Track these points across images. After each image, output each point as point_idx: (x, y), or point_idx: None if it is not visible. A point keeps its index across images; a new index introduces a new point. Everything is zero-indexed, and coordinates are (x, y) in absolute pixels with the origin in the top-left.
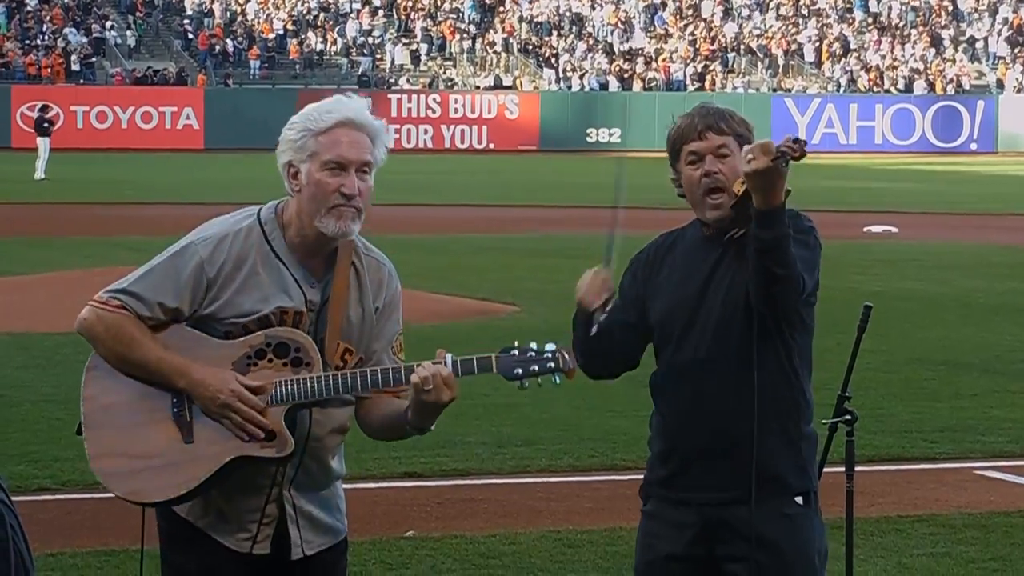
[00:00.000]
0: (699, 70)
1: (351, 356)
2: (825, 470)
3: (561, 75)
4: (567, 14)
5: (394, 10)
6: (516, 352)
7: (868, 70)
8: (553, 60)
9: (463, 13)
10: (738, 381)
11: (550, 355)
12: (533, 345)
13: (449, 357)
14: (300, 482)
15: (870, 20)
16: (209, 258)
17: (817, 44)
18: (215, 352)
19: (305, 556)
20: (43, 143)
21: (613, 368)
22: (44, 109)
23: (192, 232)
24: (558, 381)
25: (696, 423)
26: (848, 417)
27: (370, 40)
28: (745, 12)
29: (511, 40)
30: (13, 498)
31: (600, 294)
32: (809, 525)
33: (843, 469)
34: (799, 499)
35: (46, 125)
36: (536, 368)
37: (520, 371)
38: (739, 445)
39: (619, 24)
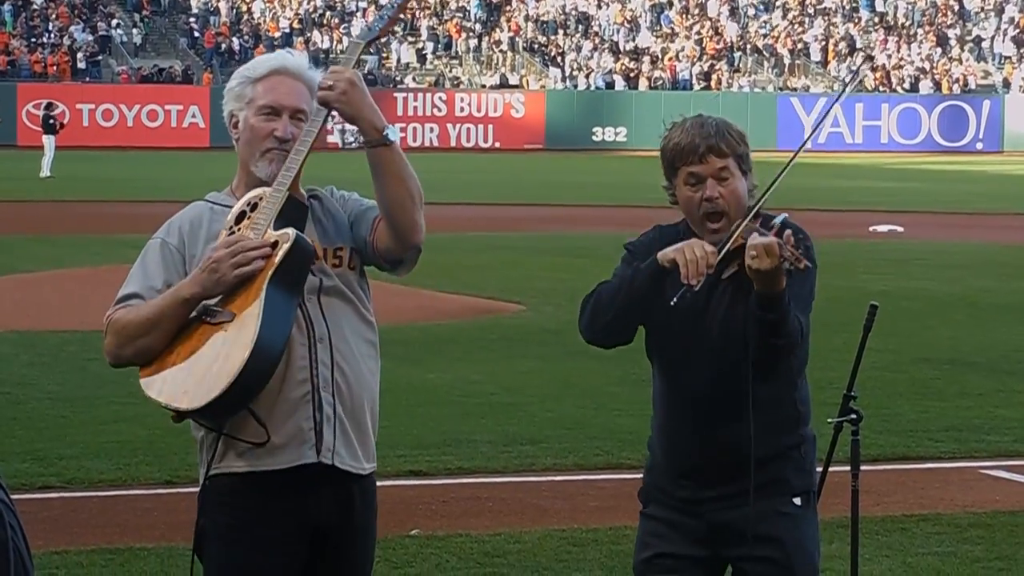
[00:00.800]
0: (705, 69)
1: (344, 251)
2: (830, 469)
3: (567, 74)
4: (573, 13)
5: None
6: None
7: (874, 69)
8: (559, 59)
9: (469, 12)
10: (736, 400)
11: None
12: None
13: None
14: (339, 386)
15: (876, 19)
16: (166, 234)
17: (823, 43)
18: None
19: (335, 467)
20: (49, 141)
21: (609, 342)
22: (49, 107)
23: None
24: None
25: (696, 436)
26: (853, 416)
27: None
28: (751, 11)
29: (517, 39)
30: (17, 496)
31: (703, 273)
32: (807, 523)
33: (848, 468)
34: (797, 500)
35: (52, 123)
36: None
37: (377, 25)
38: (740, 455)
39: (625, 23)
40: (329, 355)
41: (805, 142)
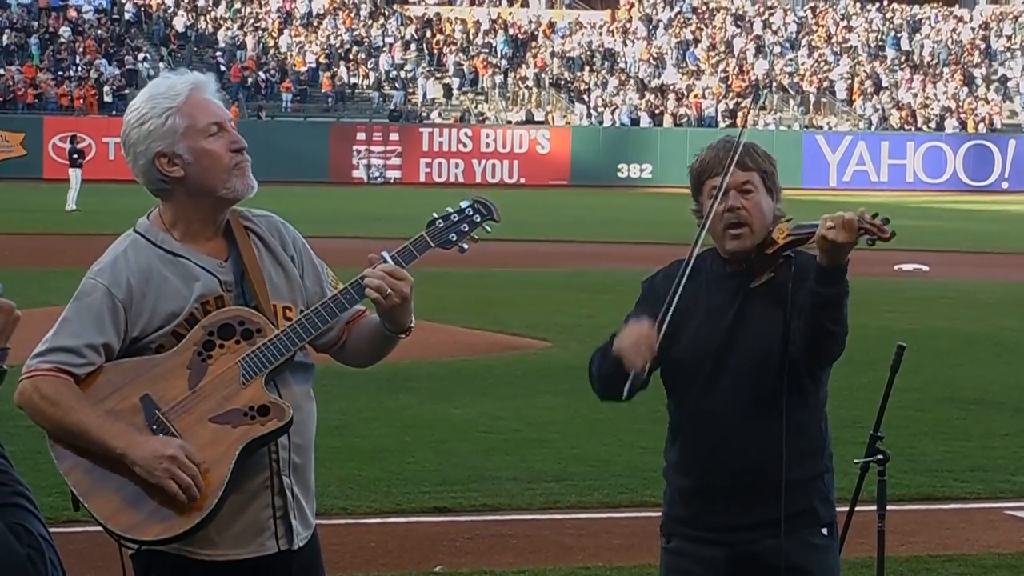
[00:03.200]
0: (731, 107)
1: (292, 311)
2: (856, 509)
3: (592, 110)
4: (599, 49)
5: (426, 44)
6: (441, 221)
7: (900, 108)
8: (585, 95)
9: (495, 48)
10: (766, 423)
11: (471, 209)
12: (450, 208)
13: (386, 254)
14: (295, 464)
15: (902, 58)
16: (112, 282)
17: (849, 81)
18: (164, 367)
19: (299, 549)
20: (75, 174)
21: (624, 397)
22: (74, 140)
23: (85, 275)
24: (490, 230)
25: (722, 465)
26: (880, 457)
27: (402, 74)
28: (777, 49)
29: (543, 75)
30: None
31: (645, 358)
32: (833, 555)
33: (875, 508)
34: (825, 530)
35: (75, 156)
36: (467, 227)
37: (454, 236)
38: (767, 483)
39: (651, 60)
40: (287, 436)
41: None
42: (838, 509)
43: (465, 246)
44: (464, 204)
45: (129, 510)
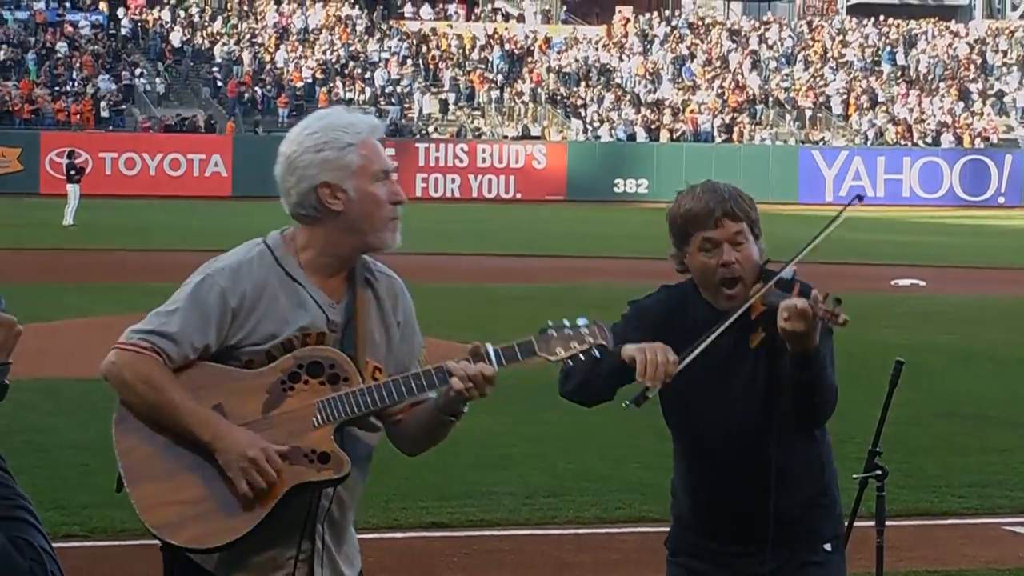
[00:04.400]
0: (727, 121)
1: (380, 374)
2: (855, 524)
3: (589, 125)
4: (595, 65)
5: (422, 59)
6: (554, 331)
7: (896, 123)
8: (581, 111)
9: (491, 63)
10: (761, 462)
11: (585, 329)
12: (566, 322)
13: (490, 348)
14: (332, 516)
15: (898, 73)
16: (230, 287)
17: (845, 96)
18: (246, 383)
19: None
20: (73, 190)
21: (590, 402)
22: (72, 155)
23: (201, 268)
24: (598, 355)
25: (720, 499)
26: (879, 472)
27: (398, 89)
28: (773, 64)
29: (539, 90)
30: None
31: (662, 382)
32: (836, 568)
33: (873, 524)
34: (828, 545)
35: (73, 172)
36: (576, 346)
37: (561, 351)
38: (765, 514)
39: (647, 75)
40: (334, 488)
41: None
42: None
43: (570, 362)
44: (580, 322)
45: (167, 509)
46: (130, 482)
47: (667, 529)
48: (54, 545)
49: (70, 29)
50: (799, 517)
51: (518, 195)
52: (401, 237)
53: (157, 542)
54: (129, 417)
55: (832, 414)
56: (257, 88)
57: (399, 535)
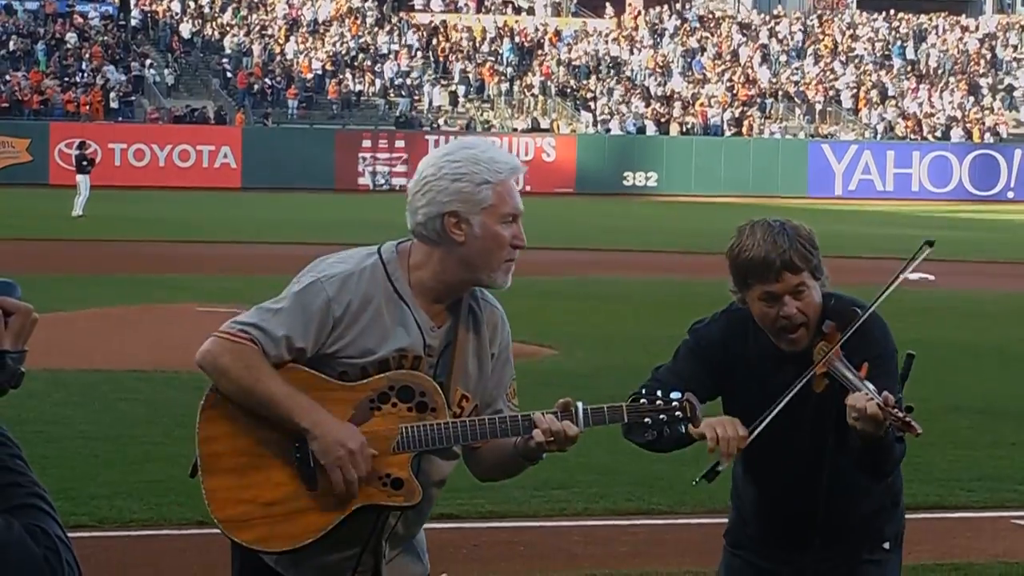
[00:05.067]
0: (736, 115)
1: (467, 403)
2: None
3: (598, 118)
4: (605, 58)
5: (432, 52)
6: (645, 401)
7: (906, 117)
8: (590, 103)
9: (501, 56)
10: (817, 475)
11: (677, 404)
12: (659, 392)
13: (580, 407)
14: (397, 533)
15: (908, 67)
16: (336, 296)
17: (854, 91)
18: (335, 394)
19: None
20: (84, 181)
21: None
22: (82, 146)
23: (312, 268)
24: (683, 431)
25: (780, 518)
26: None
27: (408, 81)
28: (783, 58)
29: (549, 83)
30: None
31: (733, 454)
32: (892, 567)
33: None
34: (887, 544)
35: (84, 163)
36: (664, 418)
37: (649, 420)
38: (830, 521)
39: (657, 68)
40: (399, 513)
41: (891, 284)
42: None
43: (653, 434)
44: (674, 396)
45: (237, 506)
46: (205, 471)
47: (674, 521)
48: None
49: (80, 20)
50: (863, 526)
51: (527, 187)
52: (511, 280)
53: (163, 532)
54: (217, 407)
55: (891, 472)
56: (267, 79)
57: None
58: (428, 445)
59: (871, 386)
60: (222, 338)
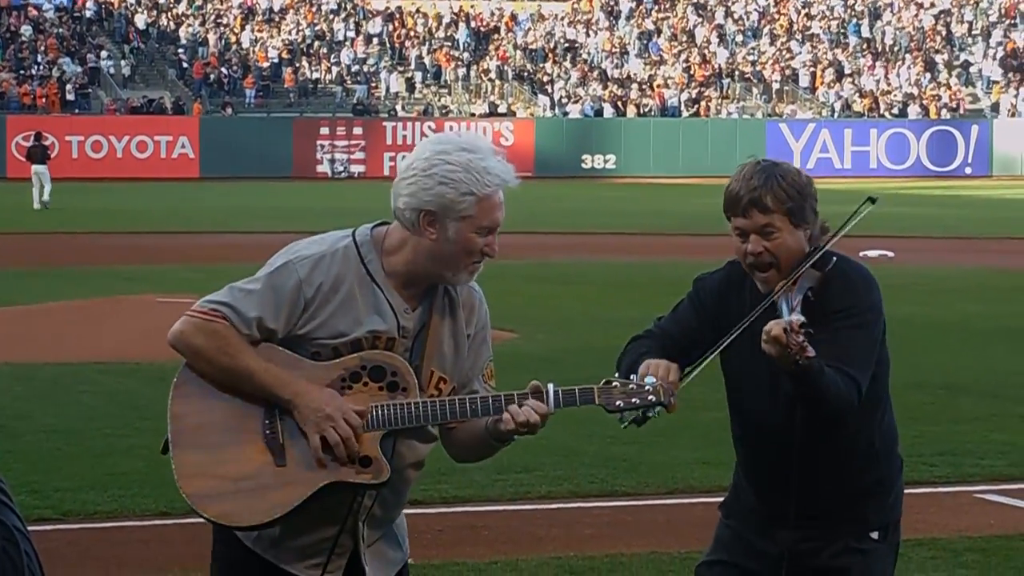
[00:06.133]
0: (693, 96)
1: (445, 385)
2: None
3: (556, 102)
4: (561, 41)
5: (388, 38)
6: (618, 385)
7: (863, 95)
8: (548, 87)
9: (458, 41)
10: (791, 445)
11: (650, 388)
12: (633, 377)
13: (551, 388)
14: (375, 515)
15: (864, 45)
16: (308, 278)
17: (811, 69)
18: (308, 373)
19: None
20: (44, 172)
21: None
22: (39, 137)
23: (285, 251)
24: (652, 415)
25: (763, 478)
26: None
27: (365, 68)
28: (739, 38)
29: (505, 67)
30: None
31: (671, 392)
32: (880, 557)
33: None
34: (875, 534)
35: (45, 149)
36: (637, 401)
37: (621, 403)
38: (822, 496)
39: (613, 51)
40: (375, 493)
41: (837, 233)
42: None
43: (624, 425)
44: (648, 380)
45: (206, 480)
46: (175, 446)
47: (638, 503)
48: (29, 529)
49: (34, 12)
50: (843, 505)
51: None
52: (475, 283)
53: (127, 523)
54: (189, 384)
55: (848, 409)
56: (223, 69)
57: None
58: (398, 424)
59: (800, 317)
60: (194, 317)
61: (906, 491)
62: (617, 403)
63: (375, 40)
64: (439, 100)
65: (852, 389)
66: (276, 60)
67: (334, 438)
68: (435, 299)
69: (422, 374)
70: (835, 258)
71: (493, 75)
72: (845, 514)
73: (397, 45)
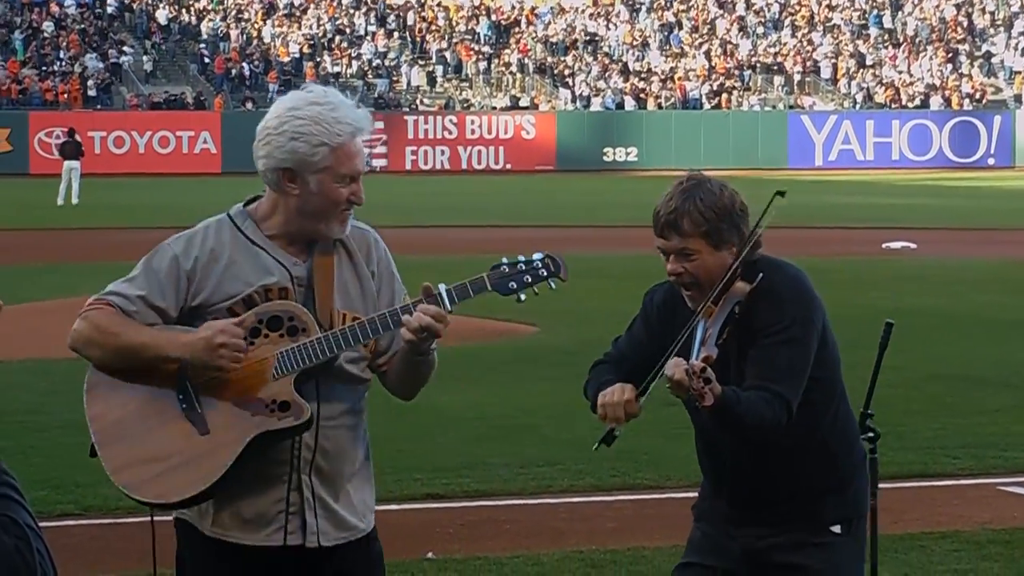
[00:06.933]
0: (715, 88)
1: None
2: None
3: (577, 95)
4: (582, 34)
5: (409, 32)
6: (506, 267)
7: (884, 86)
8: (569, 80)
9: (479, 34)
10: (729, 443)
11: (539, 263)
12: (520, 257)
13: (443, 287)
14: (319, 466)
15: (885, 36)
16: (183, 252)
17: (833, 60)
18: None
19: (322, 547)
20: (76, 168)
21: None
22: (72, 133)
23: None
24: (554, 286)
25: (717, 474)
26: (871, 435)
27: (386, 62)
28: (760, 30)
29: (526, 60)
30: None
31: (620, 420)
32: (845, 550)
33: (867, 486)
34: (837, 528)
35: (73, 147)
36: (529, 278)
37: (515, 284)
38: (770, 494)
39: (634, 43)
40: (314, 438)
41: (752, 235)
42: None
43: (523, 296)
44: (535, 256)
45: (136, 468)
46: (101, 446)
47: (660, 496)
48: (51, 524)
49: (56, 8)
50: (799, 503)
51: (508, 166)
52: (349, 226)
53: (148, 519)
54: (99, 385)
55: (772, 436)
56: (245, 64)
57: (394, 507)
58: (306, 362)
59: (712, 351)
60: (81, 315)
61: (929, 483)
62: (511, 284)
63: (396, 34)
64: (460, 94)
65: (778, 408)
66: (297, 55)
67: (239, 357)
68: (321, 246)
69: (330, 315)
70: (761, 274)
71: (514, 68)
72: (801, 511)
73: (418, 39)
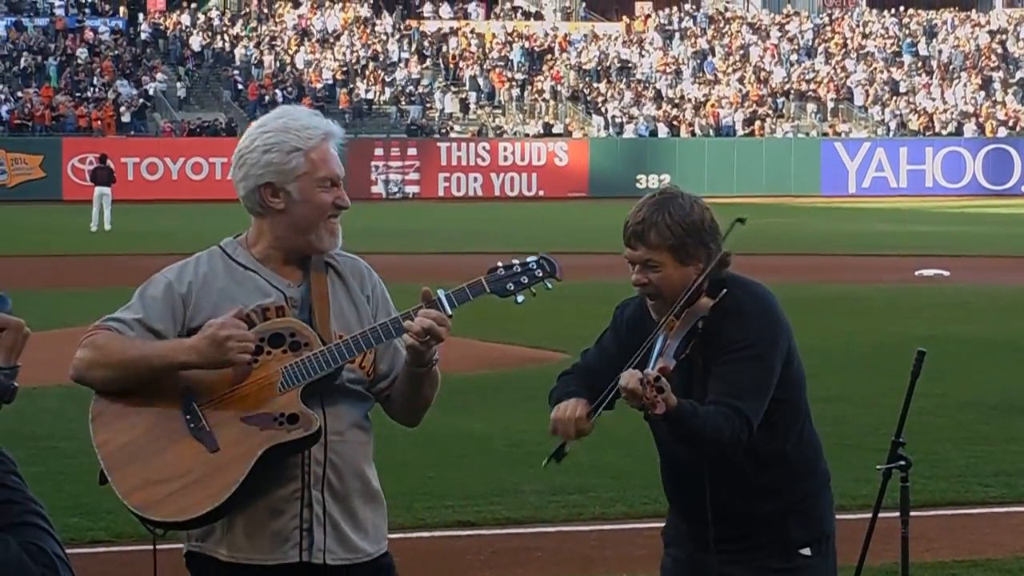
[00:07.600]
0: (748, 115)
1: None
2: (880, 515)
3: (610, 121)
4: (615, 61)
5: (442, 59)
6: (502, 269)
7: (918, 113)
8: (602, 107)
9: (511, 61)
10: (700, 469)
11: (534, 264)
12: (515, 260)
13: (442, 292)
14: (330, 482)
15: (919, 63)
16: (176, 278)
17: (866, 88)
18: None
19: (327, 565)
20: (107, 195)
21: None
22: (104, 159)
23: None
24: (550, 287)
25: (680, 501)
26: (903, 463)
27: (419, 89)
28: (794, 57)
29: (559, 87)
30: (67, 550)
31: (572, 437)
32: (815, 572)
33: (898, 514)
34: (806, 550)
35: (111, 173)
36: (526, 279)
37: (512, 286)
38: (732, 515)
39: (667, 70)
40: (323, 453)
41: (691, 288)
42: (860, 516)
43: (520, 298)
44: (530, 258)
45: (148, 489)
46: (111, 470)
47: None
48: (82, 551)
49: (90, 35)
50: (762, 527)
51: (540, 192)
52: (340, 238)
53: (179, 546)
54: (104, 412)
55: (730, 456)
56: (278, 90)
57: (425, 534)
58: (312, 374)
59: (670, 362)
60: (80, 344)
61: (961, 511)
62: (508, 286)
63: (429, 60)
64: (493, 120)
65: (738, 424)
66: (331, 81)
67: (250, 348)
68: (313, 270)
69: (329, 335)
70: (725, 290)
71: (547, 95)
72: (766, 535)
73: (451, 65)
